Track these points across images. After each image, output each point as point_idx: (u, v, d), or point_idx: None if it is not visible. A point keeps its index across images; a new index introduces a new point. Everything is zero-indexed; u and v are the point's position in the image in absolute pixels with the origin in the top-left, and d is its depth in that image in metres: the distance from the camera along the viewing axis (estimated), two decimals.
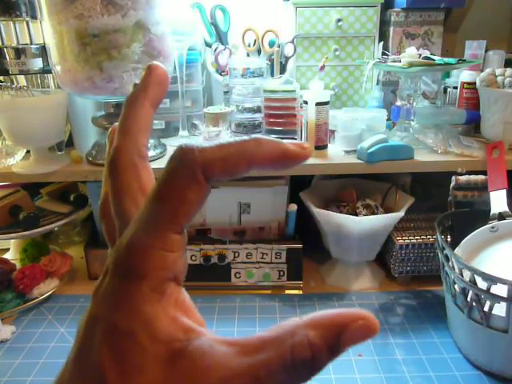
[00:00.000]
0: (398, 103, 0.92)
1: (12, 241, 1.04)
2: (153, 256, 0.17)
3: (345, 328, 0.16)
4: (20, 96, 0.83)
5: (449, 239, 0.82)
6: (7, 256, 1.02)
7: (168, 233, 0.17)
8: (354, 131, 0.90)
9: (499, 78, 0.90)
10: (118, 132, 0.22)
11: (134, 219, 0.18)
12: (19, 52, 0.86)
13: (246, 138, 0.18)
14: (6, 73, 0.88)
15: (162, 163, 0.86)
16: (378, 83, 1.07)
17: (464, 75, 0.99)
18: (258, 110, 0.88)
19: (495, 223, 0.76)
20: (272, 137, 0.18)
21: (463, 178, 0.83)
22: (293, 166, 0.18)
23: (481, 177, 0.83)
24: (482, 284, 0.64)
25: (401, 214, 0.84)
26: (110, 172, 0.21)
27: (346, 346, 0.16)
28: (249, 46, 1.05)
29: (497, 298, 0.62)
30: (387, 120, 0.95)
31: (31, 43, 0.90)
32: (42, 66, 0.89)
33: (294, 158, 0.18)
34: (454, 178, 0.84)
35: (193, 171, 0.17)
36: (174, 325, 0.17)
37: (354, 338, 0.16)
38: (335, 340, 0.16)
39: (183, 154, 0.17)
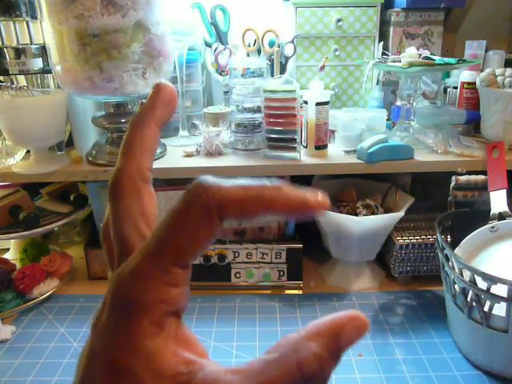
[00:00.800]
0: (398, 103, 0.92)
1: (12, 241, 1.04)
2: (156, 288, 0.17)
3: (341, 332, 0.17)
4: (20, 96, 0.83)
5: (449, 239, 0.82)
6: (7, 256, 1.02)
7: (174, 267, 0.17)
8: (354, 131, 0.90)
9: (499, 78, 0.90)
10: (121, 153, 0.21)
11: (139, 249, 0.17)
12: (19, 52, 0.86)
13: (267, 182, 0.17)
14: (6, 73, 0.88)
15: (161, 163, 0.86)
16: (378, 83, 1.07)
17: (464, 75, 0.99)
18: (258, 109, 0.88)
19: (495, 223, 0.76)
20: (291, 187, 0.18)
21: (463, 178, 0.83)
22: (308, 217, 0.18)
23: (481, 177, 0.83)
24: (481, 284, 0.64)
25: (401, 214, 0.84)
26: (111, 195, 0.21)
27: (345, 349, 0.17)
28: (249, 45, 1.05)
29: (497, 298, 0.62)
30: (387, 120, 0.95)
31: (31, 43, 0.90)
32: (42, 65, 0.89)
33: (309, 210, 0.18)
34: (453, 178, 0.84)
35: (209, 209, 0.16)
36: (175, 359, 0.17)
37: (350, 340, 0.17)
38: (335, 346, 0.16)
39: (202, 189, 0.17)
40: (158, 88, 0.22)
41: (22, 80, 0.91)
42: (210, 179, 0.17)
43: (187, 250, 0.17)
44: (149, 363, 0.16)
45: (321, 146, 0.87)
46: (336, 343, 0.16)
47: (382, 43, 1.02)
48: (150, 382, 0.16)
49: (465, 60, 0.88)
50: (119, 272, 0.17)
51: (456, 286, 0.69)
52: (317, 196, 0.18)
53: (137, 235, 0.20)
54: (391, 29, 1.04)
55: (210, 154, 0.90)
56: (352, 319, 0.17)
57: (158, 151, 0.89)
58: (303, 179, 0.95)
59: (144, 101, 0.22)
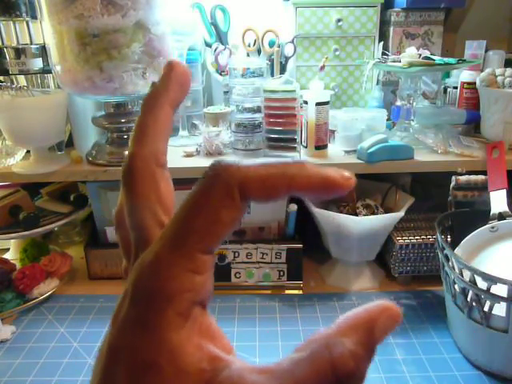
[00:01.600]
0: (398, 103, 0.92)
1: (12, 241, 1.04)
2: (180, 277, 0.16)
3: (374, 325, 0.16)
4: (20, 96, 0.83)
5: (449, 239, 0.82)
6: (7, 256, 1.02)
7: (197, 253, 0.16)
8: (354, 131, 0.90)
9: (499, 78, 0.90)
10: (133, 136, 0.20)
11: (160, 236, 0.16)
12: (19, 52, 0.86)
13: (288, 160, 0.17)
14: (6, 73, 0.88)
15: None
16: (378, 83, 1.07)
17: (464, 75, 0.99)
18: (258, 109, 0.88)
19: (495, 223, 0.76)
20: (314, 164, 0.17)
21: (463, 178, 0.83)
22: (333, 196, 0.17)
23: (481, 177, 0.83)
24: (481, 284, 0.64)
25: (401, 214, 0.84)
26: (125, 182, 0.19)
27: (379, 342, 0.16)
28: (249, 45, 1.05)
29: (497, 298, 0.62)
30: (387, 120, 0.95)
31: (31, 43, 0.90)
32: (42, 65, 0.89)
33: (335, 187, 0.17)
34: (453, 178, 0.84)
35: (230, 188, 0.16)
36: (199, 354, 0.16)
37: (384, 333, 0.16)
38: (370, 341, 0.15)
39: (222, 168, 0.16)
40: (171, 66, 0.20)
41: (22, 80, 0.91)
42: (227, 159, 0.16)
43: (210, 233, 0.16)
44: (173, 358, 0.15)
45: (321, 146, 0.87)
46: (369, 338, 0.15)
47: (382, 43, 1.02)
48: (173, 377, 0.15)
49: (465, 60, 0.88)
50: (140, 262, 0.16)
51: (456, 286, 0.69)
52: (342, 173, 0.17)
53: (155, 222, 0.19)
54: (391, 29, 1.04)
55: (210, 154, 0.90)
56: (384, 310, 0.16)
57: None
58: None
59: (156, 81, 0.21)
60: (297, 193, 0.16)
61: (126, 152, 0.20)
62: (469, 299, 0.66)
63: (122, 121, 0.87)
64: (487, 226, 0.76)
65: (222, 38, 1.07)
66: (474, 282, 0.64)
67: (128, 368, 0.15)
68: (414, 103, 0.91)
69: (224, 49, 1.01)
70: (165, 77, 0.20)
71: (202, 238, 0.16)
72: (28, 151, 0.90)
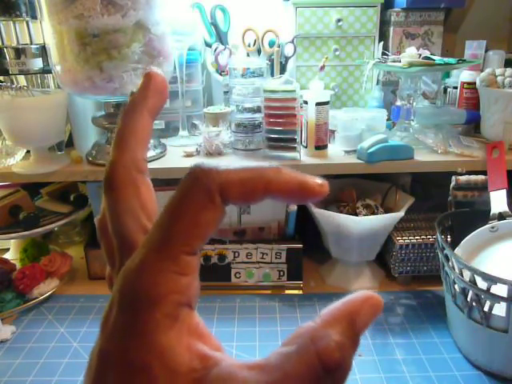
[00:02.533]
0: (398, 103, 0.92)
1: (12, 241, 1.04)
2: (166, 279, 0.16)
3: (357, 315, 0.16)
4: (20, 96, 0.83)
5: (449, 239, 0.82)
6: (7, 256, 1.02)
7: (181, 255, 0.16)
8: (354, 131, 0.90)
9: (499, 78, 0.90)
10: (114, 144, 0.20)
11: (143, 240, 0.17)
12: (19, 52, 0.86)
13: (265, 164, 0.17)
14: (6, 73, 0.88)
15: (161, 163, 0.86)
16: (378, 83, 1.07)
17: (464, 75, 0.99)
18: (258, 110, 0.88)
19: (495, 223, 0.76)
20: (291, 170, 0.17)
21: (463, 178, 0.83)
22: (307, 201, 0.18)
23: (481, 177, 0.83)
24: (482, 284, 0.64)
25: (401, 214, 0.84)
26: (106, 189, 0.20)
27: (363, 331, 0.16)
28: (249, 45, 1.05)
29: (497, 298, 0.62)
30: (387, 120, 0.95)
31: (31, 43, 0.90)
32: (42, 65, 0.89)
33: (310, 193, 0.17)
34: (454, 178, 0.84)
35: (210, 192, 0.16)
36: (189, 354, 0.16)
37: (367, 322, 0.16)
38: (354, 330, 0.16)
39: (201, 172, 0.16)
40: (148, 76, 0.21)
41: (22, 80, 0.91)
42: (207, 163, 0.17)
43: (193, 235, 0.16)
44: (163, 359, 0.16)
45: (321, 146, 0.87)
46: (352, 327, 0.16)
47: (382, 43, 1.02)
48: (165, 379, 0.15)
49: (465, 60, 0.88)
50: (125, 268, 0.17)
51: (456, 286, 0.69)
52: (317, 179, 0.18)
53: (138, 228, 0.19)
54: (391, 29, 1.04)
55: (210, 154, 0.90)
56: (366, 300, 0.16)
57: (158, 151, 0.89)
58: None
59: (134, 90, 0.21)
60: (273, 196, 0.17)
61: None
62: (469, 299, 0.66)
63: None
64: (487, 226, 0.76)
65: (222, 37, 1.07)
66: (474, 282, 0.64)
67: (119, 371, 0.16)
68: (414, 103, 0.91)
69: (224, 49, 1.01)
70: (143, 86, 0.21)
71: (186, 240, 0.16)
72: (28, 151, 0.90)
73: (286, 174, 0.17)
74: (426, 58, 0.87)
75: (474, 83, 0.96)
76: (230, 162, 0.17)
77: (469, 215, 0.83)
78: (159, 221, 0.17)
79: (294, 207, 0.89)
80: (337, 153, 0.89)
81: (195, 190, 0.16)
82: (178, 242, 0.16)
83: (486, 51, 0.99)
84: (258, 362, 0.16)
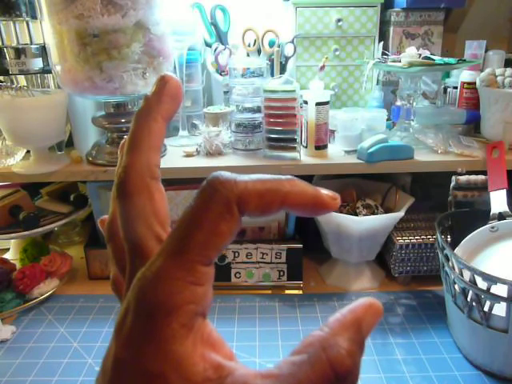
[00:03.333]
0: (398, 103, 0.92)
1: (12, 241, 1.04)
2: (182, 289, 0.16)
3: (361, 323, 0.17)
4: (20, 96, 0.83)
5: (449, 239, 0.82)
6: (7, 256, 1.02)
7: (197, 265, 0.16)
8: (354, 131, 0.90)
9: (499, 78, 0.90)
10: (127, 148, 0.20)
11: (160, 249, 0.17)
12: (19, 52, 0.86)
13: (281, 177, 0.17)
14: (6, 73, 0.88)
15: (161, 163, 0.86)
16: (378, 83, 1.07)
17: (464, 75, 0.99)
18: (257, 110, 0.88)
19: (495, 223, 0.76)
20: (304, 182, 0.18)
21: (463, 178, 0.83)
22: (320, 214, 0.18)
23: (481, 177, 0.83)
24: (482, 284, 0.64)
25: (401, 214, 0.84)
26: (119, 194, 0.20)
27: (367, 337, 0.17)
28: (249, 45, 1.05)
29: (497, 298, 0.62)
30: (387, 120, 0.95)
31: (31, 43, 0.90)
32: (42, 65, 0.89)
33: (323, 206, 0.18)
34: (454, 177, 0.84)
35: (229, 202, 0.16)
36: (203, 363, 0.16)
37: (370, 328, 0.17)
38: (360, 337, 0.16)
39: (220, 183, 0.16)
40: (163, 80, 0.21)
41: (22, 80, 0.91)
42: (225, 174, 0.17)
43: (210, 246, 0.16)
44: (179, 368, 0.16)
45: (321, 146, 0.87)
46: (361, 334, 0.16)
47: (381, 43, 1.02)
48: None
49: (465, 60, 0.88)
50: (141, 276, 0.17)
51: (456, 286, 0.69)
52: (330, 193, 0.18)
53: (151, 235, 0.19)
54: (391, 29, 1.04)
55: (210, 154, 0.90)
56: (368, 307, 0.17)
57: None
58: (303, 179, 0.95)
59: (148, 94, 0.21)
60: (288, 209, 0.17)
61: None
62: (469, 299, 0.66)
63: (122, 121, 0.86)
64: (487, 226, 0.76)
65: (222, 37, 1.07)
66: (474, 282, 0.64)
67: (135, 379, 0.16)
68: (414, 103, 0.91)
69: (224, 49, 1.01)
70: (157, 90, 0.21)
71: (203, 250, 0.16)
72: (28, 151, 0.90)
73: (301, 187, 0.18)
74: (426, 57, 0.87)
75: (474, 83, 0.96)
76: (250, 175, 0.17)
77: (469, 215, 0.83)
78: (177, 230, 0.17)
79: None
80: (337, 153, 0.89)
81: (214, 200, 0.16)
82: (194, 253, 0.16)
83: (486, 51, 0.99)
84: (272, 371, 0.16)
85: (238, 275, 0.90)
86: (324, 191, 0.18)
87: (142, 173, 0.20)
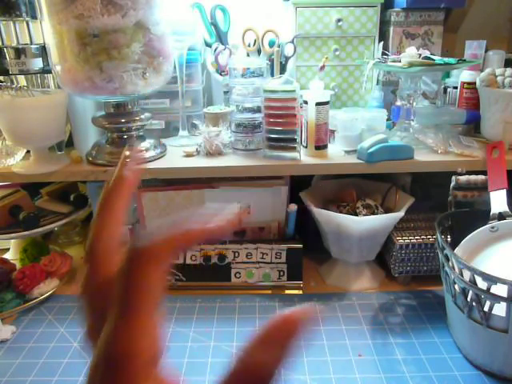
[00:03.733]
0: (398, 103, 0.92)
1: (12, 241, 1.04)
2: (134, 342, 0.18)
3: (278, 332, 0.19)
4: (20, 96, 0.83)
5: (449, 239, 0.82)
6: (7, 256, 1.02)
7: (142, 317, 0.19)
8: (354, 131, 0.90)
9: (499, 78, 0.90)
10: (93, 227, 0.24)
11: (110, 312, 0.19)
12: (19, 52, 0.86)
13: (178, 219, 0.20)
14: (6, 73, 0.88)
15: (161, 163, 0.86)
16: (378, 83, 1.07)
17: (464, 75, 0.99)
18: (257, 110, 0.88)
19: (495, 223, 0.76)
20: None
21: (463, 178, 0.83)
22: (224, 238, 0.21)
23: (481, 177, 0.83)
24: (482, 284, 0.64)
25: (401, 214, 0.84)
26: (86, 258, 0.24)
27: (287, 344, 0.19)
28: (249, 45, 1.05)
29: (497, 298, 0.62)
30: (387, 120, 0.95)
31: (31, 43, 0.90)
32: (42, 65, 0.89)
33: (224, 231, 0.21)
34: (454, 177, 0.84)
35: (151, 265, 0.19)
36: None
37: (291, 335, 0.19)
38: (275, 347, 0.19)
39: (139, 252, 0.19)
40: (121, 179, 0.25)
41: (22, 80, 0.92)
42: (138, 240, 0.19)
43: (148, 303, 0.19)
44: None
45: (321, 146, 0.87)
46: (276, 344, 0.19)
47: (381, 43, 1.02)
48: None
49: (465, 60, 0.88)
50: (102, 335, 0.19)
51: (456, 286, 0.69)
52: (227, 217, 0.21)
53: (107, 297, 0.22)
54: (391, 29, 1.04)
55: (210, 154, 0.90)
56: (285, 319, 0.20)
57: (158, 151, 0.89)
58: (303, 179, 0.95)
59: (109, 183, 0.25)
60: (196, 243, 0.20)
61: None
62: (469, 299, 0.66)
63: (122, 121, 0.86)
64: (487, 226, 0.76)
65: (222, 38, 1.07)
66: (474, 282, 0.64)
67: None
68: (414, 103, 0.91)
69: (224, 49, 1.01)
70: (115, 184, 0.25)
71: (144, 308, 0.19)
72: (28, 151, 0.90)
73: (197, 224, 0.20)
74: (426, 57, 0.87)
75: (474, 83, 0.96)
76: (158, 225, 0.20)
77: (469, 215, 0.83)
78: (117, 295, 0.19)
79: (294, 207, 0.89)
80: (337, 153, 0.89)
81: (139, 268, 0.19)
82: (139, 310, 0.19)
83: (486, 51, 0.99)
84: None
85: (238, 275, 0.90)
86: (216, 220, 0.21)
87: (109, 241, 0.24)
